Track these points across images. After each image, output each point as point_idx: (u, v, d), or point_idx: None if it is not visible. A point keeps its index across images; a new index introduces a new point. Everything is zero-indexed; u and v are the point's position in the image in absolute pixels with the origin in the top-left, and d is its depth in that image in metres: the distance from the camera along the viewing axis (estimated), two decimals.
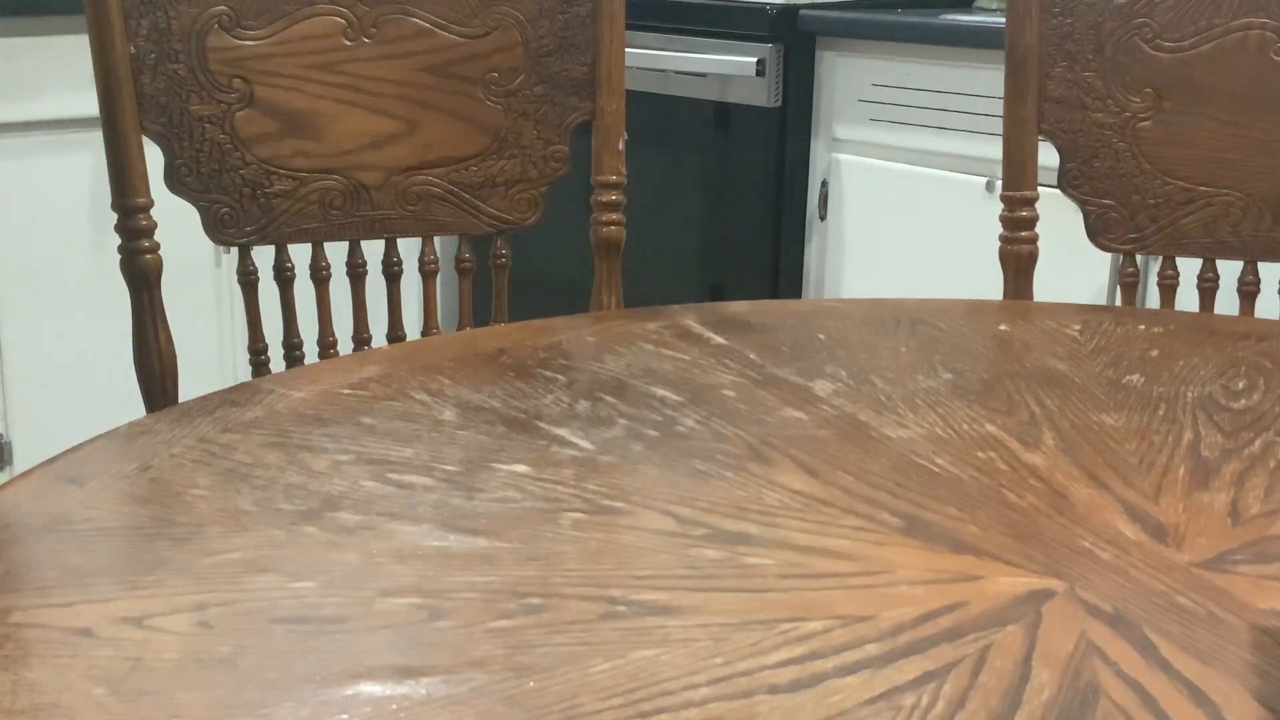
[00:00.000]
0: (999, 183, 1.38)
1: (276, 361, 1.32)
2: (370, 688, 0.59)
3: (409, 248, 1.34)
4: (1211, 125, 1.35)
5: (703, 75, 2.37)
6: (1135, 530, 0.75)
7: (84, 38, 1.19)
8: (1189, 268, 1.37)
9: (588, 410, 0.92)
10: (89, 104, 1.22)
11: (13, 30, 2.04)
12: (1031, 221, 1.36)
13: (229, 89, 1.24)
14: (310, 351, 1.33)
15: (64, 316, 2.14)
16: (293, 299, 1.31)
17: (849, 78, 2.28)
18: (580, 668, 0.60)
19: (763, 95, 2.30)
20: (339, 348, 1.34)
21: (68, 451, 0.84)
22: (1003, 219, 1.37)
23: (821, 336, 1.08)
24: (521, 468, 0.81)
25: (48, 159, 2.08)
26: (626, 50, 1.37)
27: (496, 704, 0.58)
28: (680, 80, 2.40)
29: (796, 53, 2.30)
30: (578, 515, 0.75)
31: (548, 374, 0.98)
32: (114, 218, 1.23)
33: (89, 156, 2.08)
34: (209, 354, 2.36)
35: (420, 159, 1.32)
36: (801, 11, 2.28)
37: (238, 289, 1.30)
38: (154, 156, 1.22)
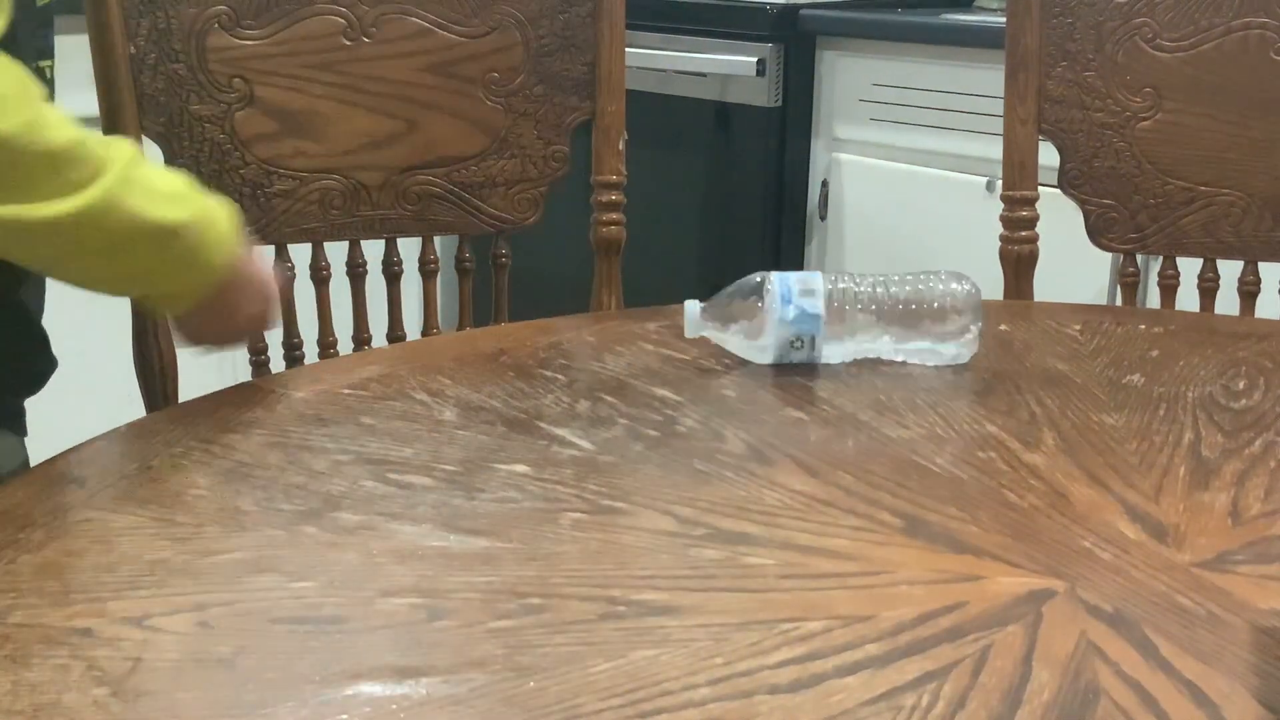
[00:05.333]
0: (999, 183, 1.38)
1: (276, 361, 1.32)
2: (370, 688, 0.59)
3: (409, 248, 1.34)
4: (1212, 125, 1.35)
5: (703, 75, 2.37)
6: (1135, 530, 0.75)
7: (84, 38, 1.19)
8: (1189, 268, 1.37)
9: (588, 410, 0.92)
10: (89, 104, 1.22)
11: None
12: (1031, 221, 1.36)
13: (229, 89, 1.24)
14: (310, 351, 1.33)
15: (63, 316, 2.13)
16: (293, 299, 1.31)
17: (849, 78, 2.28)
18: (580, 668, 0.60)
19: (763, 95, 2.30)
20: (339, 348, 1.34)
21: (68, 451, 0.84)
22: (1003, 219, 1.37)
23: None
24: (521, 468, 0.81)
25: None
26: (626, 50, 1.37)
27: (496, 704, 0.58)
28: (680, 80, 2.40)
29: (796, 53, 2.30)
30: (578, 515, 0.75)
31: (548, 374, 0.98)
32: None
33: None
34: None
35: (420, 159, 1.32)
36: (801, 11, 2.28)
37: None
38: (154, 157, 1.22)
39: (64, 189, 0.84)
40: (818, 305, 0.98)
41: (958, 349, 1.01)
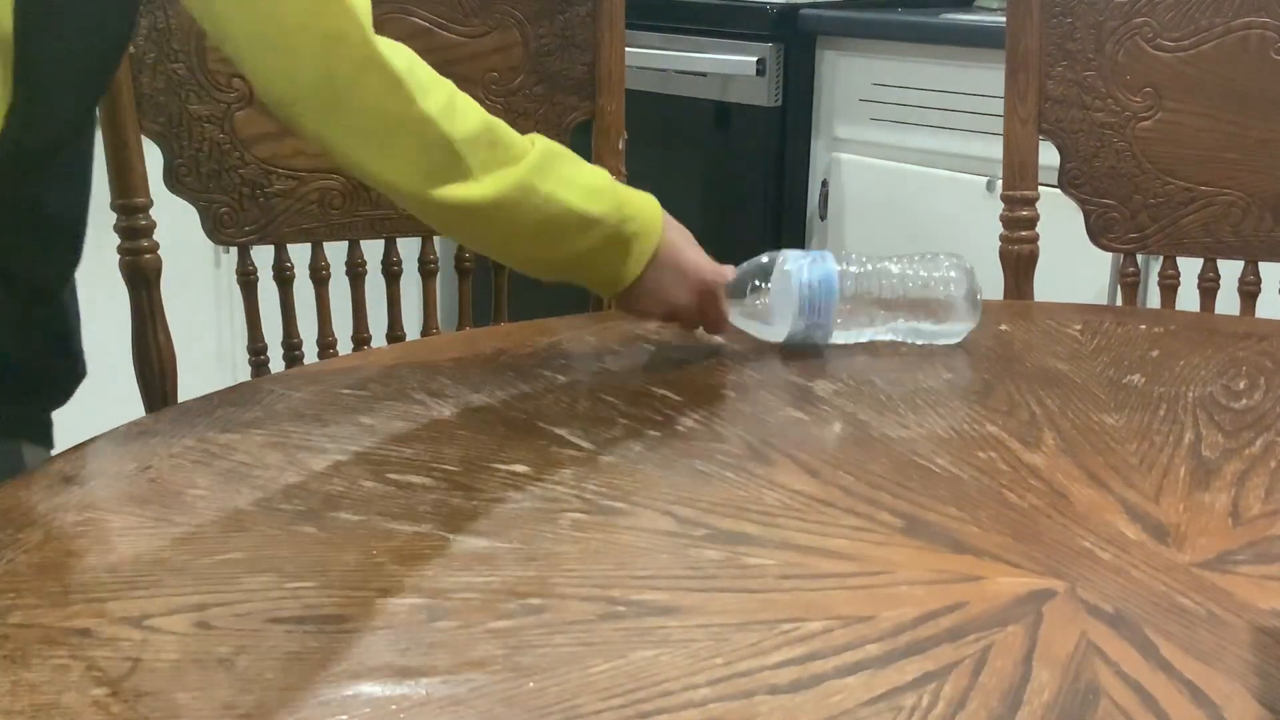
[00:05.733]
0: (999, 183, 1.38)
1: (276, 361, 1.32)
2: (370, 688, 0.59)
3: (409, 247, 1.34)
4: (1212, 125, 1.35)
5: (703, 75, 2.37)
6: (1136, 530, 0.75)
7: None
8: (1190, 267, 1.37)
9: (588, 410, 0.92)
10: None
11: None
12: (1032, 221, 1.36)
13: (228, 88, 1.24)
14: (310, 351, 1.33)
15: None
16: (292, 299, 1.31)
17: (849, 77, 2.28)
18: (580, 668, 0.60)
19: (763, 95, 2.30)
20: (339, 348, 1.34)
21: (68, 451, 0.84)
22: (1003, 219, 1.37)
23: None
24: (521, 468, 0.81)
25: None
26: (626, 50, 1.37)
27: (496, 704, 0.57)
28: (680, 80, 2.40)
29: (796, 52, 2.30)
30: (578, 515, 0.75)
31: (548, 374, 0.98)
32: (114, 218, 1.23)
33: None
34: (209, 354, 2.35)
35: None
36: (801, 11, 2.28)
37: (237, 289, 1.30)
38: (154, 156, 1.22)
39: (483, 168, 0.92)
40: (828, 253, 1.03)
41: (956, 327, 1.03)
